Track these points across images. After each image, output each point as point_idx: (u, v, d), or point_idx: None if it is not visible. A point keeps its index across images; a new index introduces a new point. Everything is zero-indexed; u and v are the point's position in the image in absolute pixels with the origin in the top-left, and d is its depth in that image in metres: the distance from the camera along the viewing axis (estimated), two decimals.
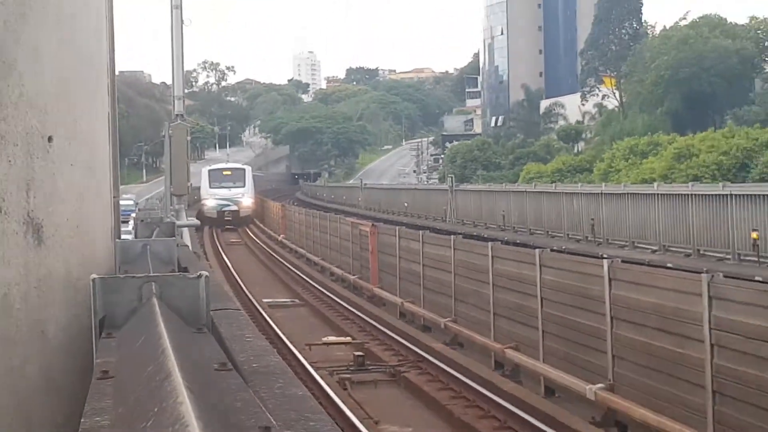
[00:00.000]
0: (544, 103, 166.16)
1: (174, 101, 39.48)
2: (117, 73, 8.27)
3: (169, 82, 36.62)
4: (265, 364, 5.75)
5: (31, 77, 5.70)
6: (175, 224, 28.33)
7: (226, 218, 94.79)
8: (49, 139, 5.84)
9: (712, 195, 30.69)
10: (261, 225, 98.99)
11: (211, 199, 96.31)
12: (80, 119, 6.27)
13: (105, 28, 7.07)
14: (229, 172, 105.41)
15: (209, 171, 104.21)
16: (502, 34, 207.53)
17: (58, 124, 5.95)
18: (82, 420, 3.81)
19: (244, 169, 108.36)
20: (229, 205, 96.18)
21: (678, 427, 18.53)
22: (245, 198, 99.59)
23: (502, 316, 28.82)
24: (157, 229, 20.00)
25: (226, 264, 62.34)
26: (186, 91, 42.40)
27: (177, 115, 37.67)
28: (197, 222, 52.20)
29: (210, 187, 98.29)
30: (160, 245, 10.09)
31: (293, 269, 59.21)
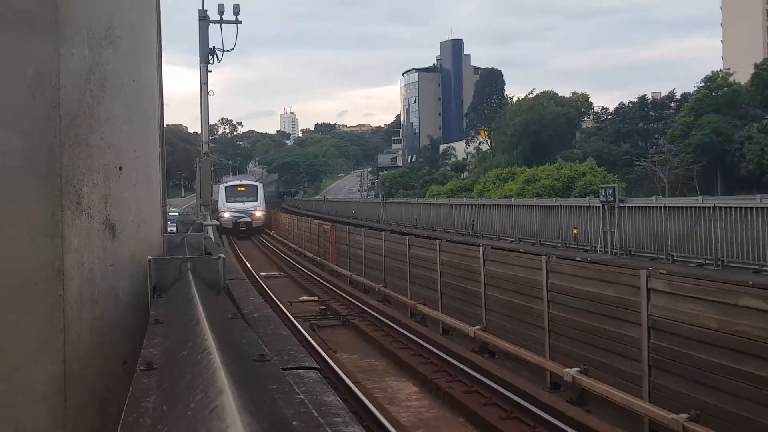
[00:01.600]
0: (442, 147, 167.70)
1: (203, 145, 39.26)
2: (165, 125, 8.20)
3: (199, 131, 36.70)
4: (262, 315, 5.72)
5: (108, 127, 5.64)
6: (203, 224, 28.35)
7: (240, 228, 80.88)
8: (120, 168, 5.78)
9: (548, 206, 30.85)
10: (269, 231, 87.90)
11: (228, 212, 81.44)
12: (140, 155, 6.20)
13: (156, 93, 6.99)
14: (243, 188, 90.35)
15: (226, 187, 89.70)
16: (414, 102, 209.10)
17: (126, 158, 5.89)
18: (142, 351, 3.78)
19: (256, 186, 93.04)
20: (243, 217, 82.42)
21: (526, 353, 18.65)
22: (258, 211, 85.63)
23: (416, 283, 28.97)
24: (191, 227, 19.82)
25: (236, 250, 62.17)
26: (209, 137, 42.19)
27: (204, 153, 37.44)
28: (216, 222, 52.58)
29: (226, 201, 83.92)
30: (193, 237, 10.05)
31: (281, 254, 59.06)
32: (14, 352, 5.11)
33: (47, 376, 5.24)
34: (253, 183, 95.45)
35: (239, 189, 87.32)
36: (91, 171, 5.52)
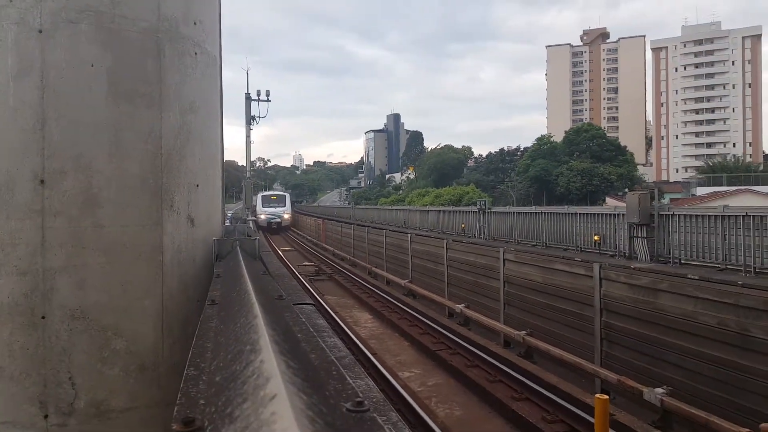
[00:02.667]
0: (387, 176, 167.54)
1: (247, 172, 38.99)
2: (224, 160, 8.15)
3: (244, 164, 36.95)
4: (281, 272, 5.71)
5: (190, 161, 5.61)
6: (246, 219, 28.14)
7: (273, 227, 67.59)
8: (197, 185, 5.75)
9: (447, 211, 30.95)
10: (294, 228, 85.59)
11: (263, 215, 68.21)
12: (210, 176, 6.17)
13: (219, 141, 6.94)
14: (275, 197, 75.11)
15: (262, 196, 74.86)
16: (371, 149, 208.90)
17: (200, 179, 5.86)
18: (209, 293, 3.77)
19: (285, 195, 77.17)
20: (275, 218, 69.51)
21: (435, 296, 18.72)
22: (285, 214, 71.64)
23: (371, 254, 28.81)
24: (239, 221, 19.56)
25: (267, 237, 61.54)
26: (251, 168, 41.87)
27: (247, 177, 37.15)
28: (255, 220, 51.71)
29: (262, 206, 70.23)
30: (241, 227, 9.97)
31: (295, 238, 58.41)
32: (134, 294, 5.15)
33: (152, 308, 5.25)
34: (282, 193, 79.98)
35: (272, 197, 74.69)
36: (180, 187, 5.50)
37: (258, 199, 71.54)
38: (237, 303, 2.63)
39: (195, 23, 5.77)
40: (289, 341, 1.84)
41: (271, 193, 79.49)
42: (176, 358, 5.30)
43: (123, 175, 5.10)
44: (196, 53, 5.76)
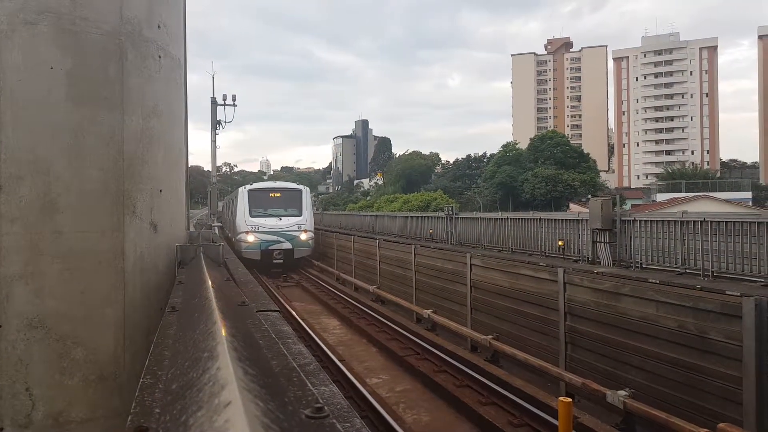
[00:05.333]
0: (356, 182, 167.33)
1: (212, 178, 38.37)
2: (189, 165, 8.04)
3: (210, 169, 35.87)
4: (246, 279, 5.64)
5: (153, 167, 5.52)
6: (211, 225, 27.65)
7: (275, 261, 38.27)
8: (160, 190, 5.65)
9: (415, 216, 30.99)
10: None
11: (251, 234, 47.67)
12: (173, 181, 6.07)
13: (183, 146, 6.83)
14: (278, 194, 45.80)
15: (249, 192, 29.03)
16: (340, 155, 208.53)
17: (164, 184, 5.76)
18: (169, 300, 3.70)
19: (300, 190, 29.67)
20: (281, 241, 48.84)
21: (402, 302, 18.73)
22: (303, 231, 50.54)
23: (339, 261, 28.69)
24: (203, 227, 19.31)
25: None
26: (216, 173, 41.35)
27: (213, 183, 36.61)
28: (220, 224, 49.49)
29: (250, 216, 37.94)
30: (205, 232, 9.82)
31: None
32: (94, 302, 5.03)
33: (113, 316, 5.14)
34: (294, 186, 32.68)
35: (271, 194, 30.84)
36: (142, 192, 5.41)
37: (239, 201, 30.42)
38: (197, 310, 2.58)
39: (159, 26, 5.68)
40: (250, 348, 1.81)
41: (269, 185, 33.04)
42: (138, 367, 5.18)
43: (83, 180, 4.98)
44: (159, 56, 5.67)
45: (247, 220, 29.15)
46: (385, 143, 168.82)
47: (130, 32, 5.32)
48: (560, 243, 17.02)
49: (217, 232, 16.47)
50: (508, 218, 20.10)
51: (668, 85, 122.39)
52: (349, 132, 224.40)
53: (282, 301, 21.10)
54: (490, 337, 13.25)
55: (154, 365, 1.85)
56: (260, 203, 29.89)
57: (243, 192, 30.41)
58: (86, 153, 5.02)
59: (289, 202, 30.39)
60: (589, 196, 62.36)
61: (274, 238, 28.97)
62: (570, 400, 7.64)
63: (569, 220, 17.06)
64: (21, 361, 4.78)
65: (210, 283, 3.38)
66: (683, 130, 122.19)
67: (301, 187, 32.27)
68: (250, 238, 28.78)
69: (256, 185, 31.79)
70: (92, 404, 4.96)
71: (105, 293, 5.11)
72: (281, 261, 29.08)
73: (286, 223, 29.44)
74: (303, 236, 29.50)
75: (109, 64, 5.16)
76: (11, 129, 4.80)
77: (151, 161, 5.50)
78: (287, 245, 29.14)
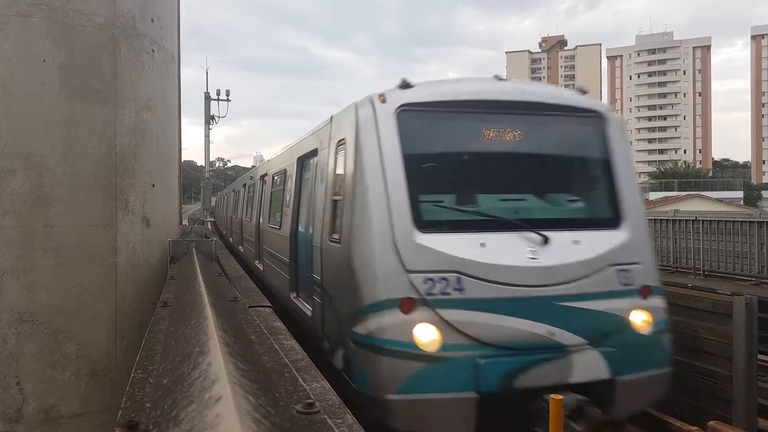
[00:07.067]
0: None
1: (206, 173, 38.33)
2: (182, 160, 8.02)
3: (203, 164, 35.65)
4: (239, 274, 5.64)
5: (146, 161, 5.50)
6: (204, 220, 27.67)
7: None
8: (153, 185, 5.63)
9: None
10: None
11: None
12: (166, 177, 6.05)
13: (177, 140, 6.82)
14: None
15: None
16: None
17: (157, 179, 5.75)
18: (161, 295, 3.69)
19: None
20: None
21: None
22: None
23: None
24: (196, 222, 19.30)
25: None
26: (210, 168, 41.31)
27: (206, 178, 36.58)
28: (213, 219, 49.40)
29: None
30: (198, 228, 9.81)
31: None
32: (86, 296, 5.02)
33: (105, 311, 5.13)
34: None
35: None
36: (135, 186, 5.39)
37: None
38: (189, 305, 2.58)
39: (153, 20, 5.65)
40: (241, 343, 1.81)
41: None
42: (130, 362, 5.17)
43: (76, 174, 4.96)
44: (153, 50, 5.64)
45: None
46: None
47: (124, 26, 5.29)
48: None
49: (209, 227, 16.41)
50: None
51: (662, 84, 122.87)
52: None
53: None
54: None
55: (145, 360, 1.84)
56: None
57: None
58: (79, 147, 4.99)
59: None
60: None
61: None
62: (561, 397, 7.66)
63: None
64: (12, 355, 4.76)
65: (201, 278, 3.37)
66: (676, 129, 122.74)
67: None
68: None
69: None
70: (84, 399, 4.95)
71: (97, 288, 5.09)
72: None
73: None
74: None
75: (102, 57, 5.13)
76: (4, 122, 4.77)
77: (144, 156, 5.48)
78: None
